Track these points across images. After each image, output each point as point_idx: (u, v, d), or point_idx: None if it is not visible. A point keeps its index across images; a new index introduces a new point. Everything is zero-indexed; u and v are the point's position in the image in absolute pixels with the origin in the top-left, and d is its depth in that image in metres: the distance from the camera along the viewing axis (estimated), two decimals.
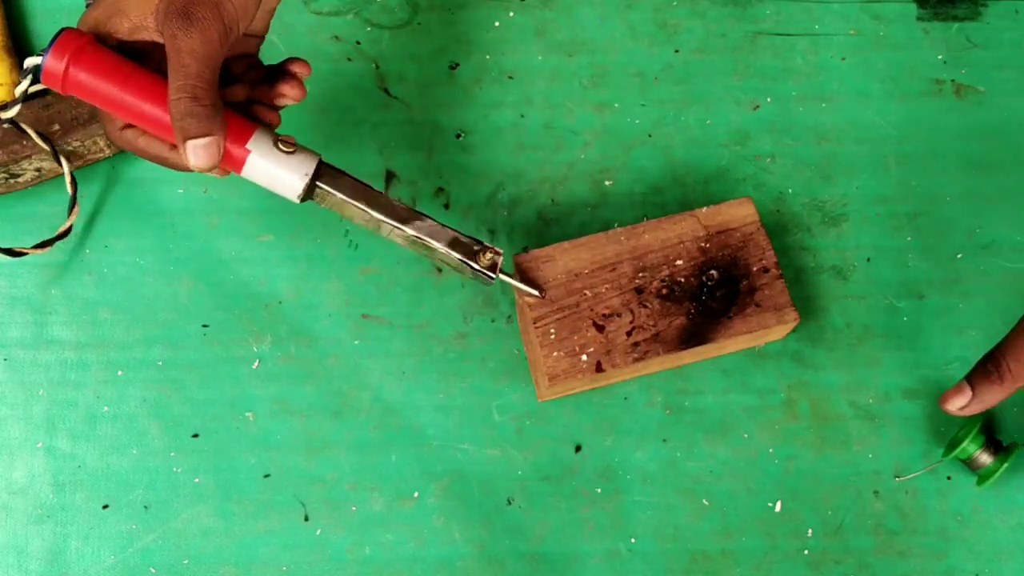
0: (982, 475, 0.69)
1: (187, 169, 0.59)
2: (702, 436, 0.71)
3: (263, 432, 0.71)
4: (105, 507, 0.70)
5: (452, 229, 0.64)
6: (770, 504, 0.70)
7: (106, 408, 0.71)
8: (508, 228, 0.75)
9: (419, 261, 0.74)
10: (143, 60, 0.59)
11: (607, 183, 0.76)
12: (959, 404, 0.65)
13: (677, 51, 0.79)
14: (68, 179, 0.67)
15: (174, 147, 0.59)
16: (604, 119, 0.78)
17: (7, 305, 0.73)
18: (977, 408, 0.65)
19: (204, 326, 0.73)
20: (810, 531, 0.70)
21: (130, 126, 0.60)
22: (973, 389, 0.64)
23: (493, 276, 0.64)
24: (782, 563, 0.69)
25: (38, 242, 0.71)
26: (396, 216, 0.62)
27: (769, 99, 0.78)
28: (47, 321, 0.73)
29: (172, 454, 0.71)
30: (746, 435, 0.71)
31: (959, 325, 0.74)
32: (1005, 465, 0.68)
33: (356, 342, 0.73)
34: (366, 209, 0.62)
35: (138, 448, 0.71)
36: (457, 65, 0.79)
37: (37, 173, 0.72)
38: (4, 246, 0.71)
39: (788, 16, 0.80)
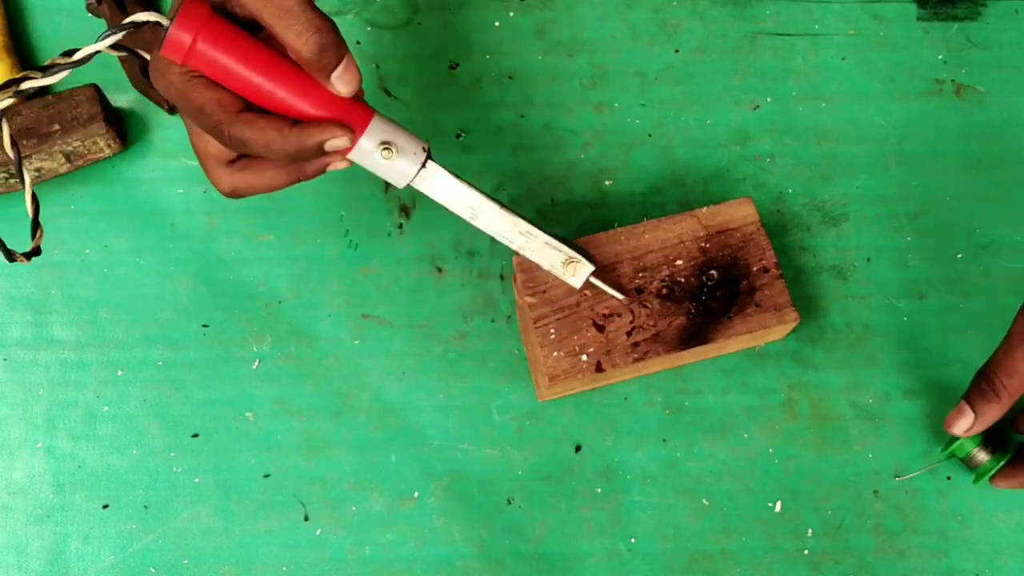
0: (979, 473, 0.69)
1: (303, 148, 0.56)
2: (702, 436, 0.71)
3: (263, 432, 0.71)
4: (105, 507, 0.70)
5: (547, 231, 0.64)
6: (770, 504, 0.70)
7: (106, 408, 0.71)
8: None
9: (419, 261, 0.74)
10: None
11: (607, 183, 0.76)
12: (964, 426, 0.66)
13: (677, 51, 0.79)
14: (28, 197, 0.60)
15: (293, 125, 0.56)
16: (604, 119, 0.78)
17: (7, 305, 0.73)
18: (980, 428, 0.66)
19: (204, 326, 0.73)
20: (810, 531, 0.70)
21: (247, 109, 0.56)
22: (974, 410, 0.65)
23: (584, 277, 0.65)
24: (782, 563, 0.69)
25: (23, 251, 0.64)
26: (499, 204, 0.62)
27: (769, 99, 0.78)
28: (47, 321, 0.73)
29: (172, 454, 0.71)
30: (746, 435, 0.71)
31: (959, 325, 0.74)
32: (1001, 463, 0.68)
33: (356, 342, 0.73)
34: (473, 193, 0.61)
35: (138, 448, 0.71)
36: (457, 65, 0.79)
37: (37, 173, 0.72)
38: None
39: (788, 16, 0.80)
